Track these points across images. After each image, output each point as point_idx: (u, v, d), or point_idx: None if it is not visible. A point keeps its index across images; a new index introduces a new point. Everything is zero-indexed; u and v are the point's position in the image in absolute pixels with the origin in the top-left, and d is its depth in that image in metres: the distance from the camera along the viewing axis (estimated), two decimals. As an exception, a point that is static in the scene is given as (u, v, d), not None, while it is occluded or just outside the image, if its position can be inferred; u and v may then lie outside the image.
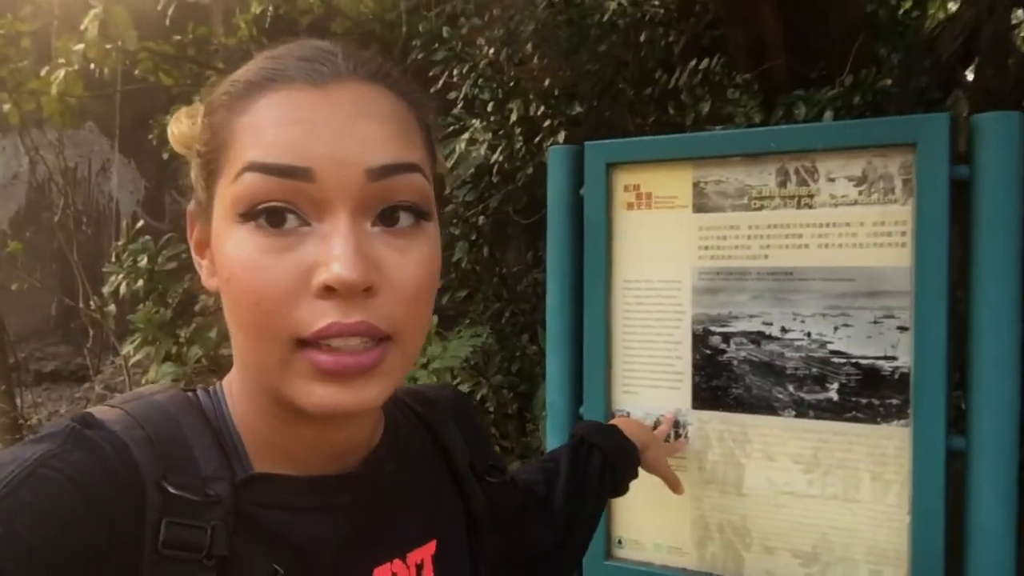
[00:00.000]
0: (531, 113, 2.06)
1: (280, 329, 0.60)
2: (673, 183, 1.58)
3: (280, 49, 0.66)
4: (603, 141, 1.65)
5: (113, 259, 3.70)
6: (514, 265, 2.64)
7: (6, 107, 3.20)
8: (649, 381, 1.62)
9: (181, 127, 0.71)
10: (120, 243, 3.76)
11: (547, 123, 2.02)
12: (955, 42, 2.48)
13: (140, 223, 3.96)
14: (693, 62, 1.60)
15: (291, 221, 0.60)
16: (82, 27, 2.66)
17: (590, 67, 2.17)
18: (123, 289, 3.62)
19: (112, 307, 4.11)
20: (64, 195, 4.97)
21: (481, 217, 2.36)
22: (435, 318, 2.42)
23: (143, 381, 3.57)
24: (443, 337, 2.30)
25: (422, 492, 0.78)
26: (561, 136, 2.13)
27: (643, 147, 1.61)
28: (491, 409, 2.26)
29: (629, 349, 1.63)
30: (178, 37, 3.64)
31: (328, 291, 0.59)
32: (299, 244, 0.60)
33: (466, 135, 2.01)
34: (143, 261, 3.62)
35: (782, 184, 1.50)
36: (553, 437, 1.72)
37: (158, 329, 3.54)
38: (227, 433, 0.68)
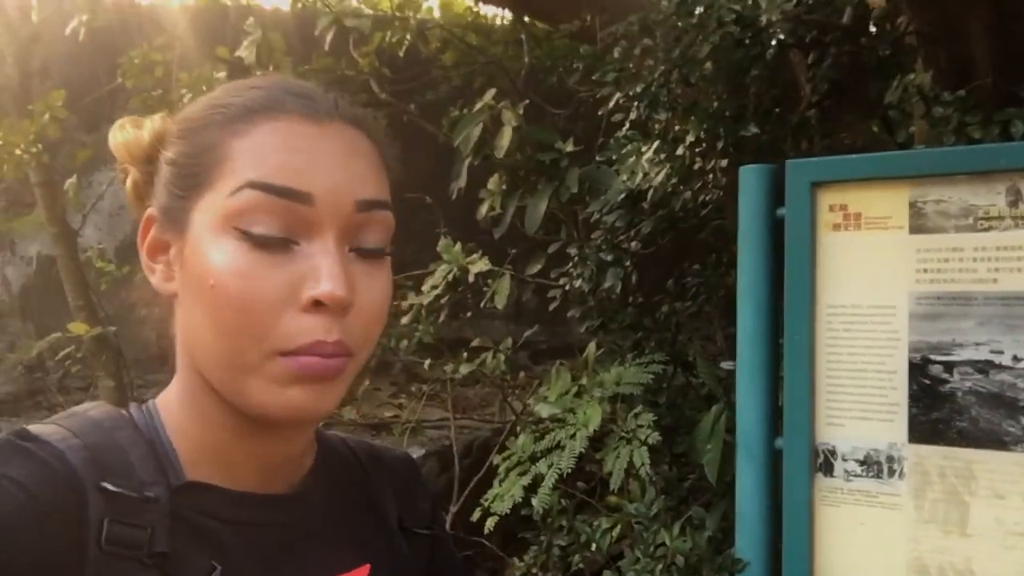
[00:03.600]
0: (699, 136, 2.01)
1: (261, 336, 0.64)
2: (886, 203, 1.50)
3: (264, 80, 0.73)
4: (807, 159, 1.58)
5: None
6: (653, 294, 2.57)
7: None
8: (858, 413, 1.53)
9: (126, 135, 0.74)
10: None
11: (719, 145, 1.97)
12: None
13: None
14: (910, 76, 1.54)
15: (280, 239, 0.65)
16: (238, 53, 2.69)
17: (755, 88, 2.12)
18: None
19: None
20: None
21: (635, 243, 2.30)
22: (592, 347, 2.34)
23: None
24: (601, 366, 2.24)
25: (353, 524, 0.80)
26: (724, 161, 2.08)
27: (853, 165, 1.54)
28: (643, 439, 2.17)
29: (835, 379, 1.55)
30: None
31: (316, 305, 0.64)
32: (288, 261, 0.65)
33: (635, 159, 1.96)
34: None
35: (1013, 203, 1.41)
36: (747, 471, 1.64)
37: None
38: (160, 444, 0.71)
